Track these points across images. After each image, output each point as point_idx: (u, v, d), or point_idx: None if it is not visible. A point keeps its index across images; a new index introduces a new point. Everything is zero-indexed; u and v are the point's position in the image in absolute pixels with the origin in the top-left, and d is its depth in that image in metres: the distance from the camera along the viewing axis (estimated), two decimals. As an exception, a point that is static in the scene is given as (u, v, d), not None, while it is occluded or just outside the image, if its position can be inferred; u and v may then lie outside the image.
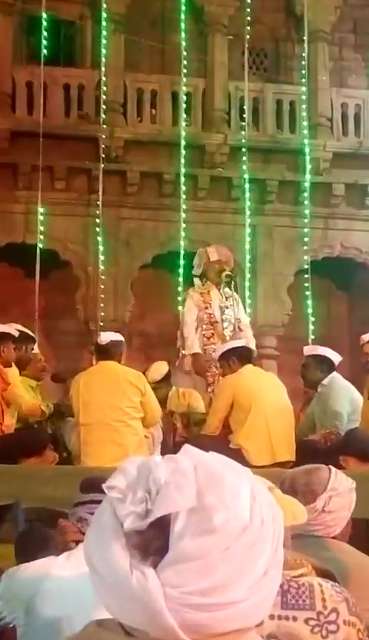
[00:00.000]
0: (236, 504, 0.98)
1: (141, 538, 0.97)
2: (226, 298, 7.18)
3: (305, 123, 12.38)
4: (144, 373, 6.42)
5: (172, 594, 0.95)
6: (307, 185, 12.14)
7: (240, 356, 5.95)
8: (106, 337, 6.02)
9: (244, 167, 11.96)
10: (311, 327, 11.58)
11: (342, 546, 2.44)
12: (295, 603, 1.74)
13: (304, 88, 12.51)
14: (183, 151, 11.78)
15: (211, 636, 0.97)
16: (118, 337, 6.13)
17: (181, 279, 11.13)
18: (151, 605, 0.95)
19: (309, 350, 6.58)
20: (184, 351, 7.29)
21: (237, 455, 5.15)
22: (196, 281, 7.44)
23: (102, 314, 11.51)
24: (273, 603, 1.69)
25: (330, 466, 2.55)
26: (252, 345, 6.60)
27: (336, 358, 6.29)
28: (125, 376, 5.78)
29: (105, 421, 5.60)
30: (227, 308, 7.15)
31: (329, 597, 1.75)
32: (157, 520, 0.96)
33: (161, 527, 0.97)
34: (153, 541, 0.97)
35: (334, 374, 6.17)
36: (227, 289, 7.17)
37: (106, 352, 5.90)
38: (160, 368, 7.07)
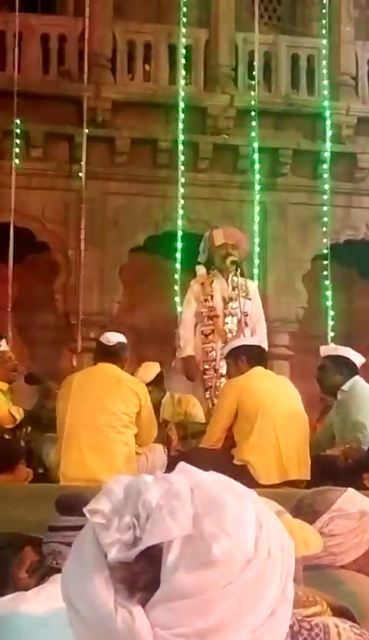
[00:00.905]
0: (239, 532, 0.98)
1: (127, 570, 0.98)
2: (233, 288, 7.20)
3: (325, 82, 12.37)
4: (131, 374, 6.49)
5: (163, 636, 0.95)
6: (326, 155, 12.12)
7: (250, 356, 5.97)
8: (113, 338, 6.18)
9: (253, 133, 11.95)
10: (330, 322, 11.58)
11: (357, 578, 2.45)
12: (308, 647, 1.74)
13: (324, 41, 12.50)
14: (181, 115, 11.77)
15: None
16: (124, 339, 6.28)
17: (178, 265, 11.13)
18: (139, 650, 0.95)
19: (327, 350, 6.60)
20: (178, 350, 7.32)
21: (242, 472, 5.16)
22: (198, 270, 7.46)
23: (85, 305, 11.50)
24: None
25: (351, 488, 2.56)
26: (264, 345, 6.63)
27: (358, 359, 6.31)
28: (127, 382, 5.96)
29: (95, 424, 5.69)
30: (232, 299, 7.17)
31: (347, 639, 1.75)
32: (146, 550, 0.97)
33: (152, 558, 0.97)
34: (141, 574, 0.98)
35: (356, 378, 6.18)
36: (236, 278, 7.19)
37: (112, 355, 6.07)
38: (150, 369, 7.10)
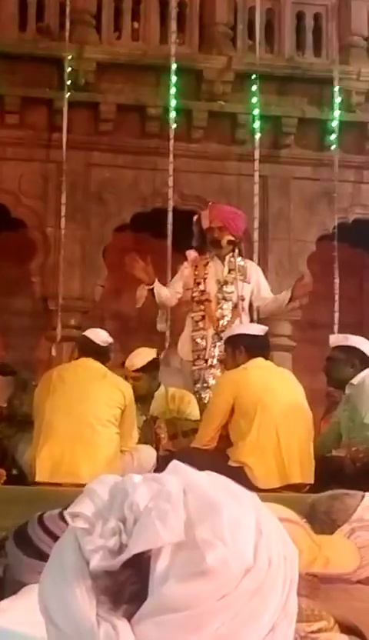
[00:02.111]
0: (236, 539, 0.98)
1: (111, 580, 0.98)
2: (230, 270, 7.22)
3: (334, 43, 12.34)
4: (123, 363, 6.60)
5: (151, 654, 0.95)
6: (334, 124, 12.11)
7: (250, 346, 5.99)
8: (106, 338, 6.34)
9: (254, 100, 11.93)
10: (338, 310, 11.58)
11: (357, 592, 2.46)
12: (311, 666, 1.74)
13: (333, -3, 12.47)
14: (173, 78, 11.73)
15: None
16: (110, 339, 6.51)
17: (169, 245, 11.11)
18: (124, 668, 0.95)
19: (337, 340, 6.60)
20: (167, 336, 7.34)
21: (238, 475, 5.17)
22: (189, 254, 7.47)
23: (65, 289, 11.48)
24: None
25: (365, 493, 2.57)
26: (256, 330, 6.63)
27: None
28: (112, 379, 6.12)
29: (78, 414, 5.79)
30: (227, 283, 7.18)
31: (354, 660, 1.76)
32: (133, 558, 0.97)
33: (139, 567, 0.97)
34: (127, 584, 0.98)
35: (368, 371, 6.18)
36: (233, 259, 7.21)
37: (99, 354, 6.21)
38: (143, 353, 7.13)
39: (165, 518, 0.98)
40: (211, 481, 1.04)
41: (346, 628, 1.86)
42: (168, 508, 0.99)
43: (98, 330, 6.60)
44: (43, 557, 2.51)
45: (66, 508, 1.18)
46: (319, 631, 1.80)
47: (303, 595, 1.75)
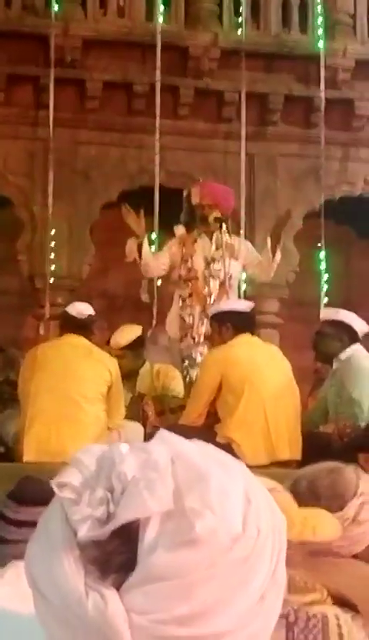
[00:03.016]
0: (224, 508, 0.98)
1: (100, 550, 0.97)
2: (217, 247, 7.22)
3: (320, 20, 12.30)
4: (107, 340, 6.59)
5: (139, 622, 0.95)
6: (321, 101, 12.08)
7: (237, 323, 5.99)
8: (85, 310, 6.33)
9: (240, 77, 11.88)
10: (325, 287, 11.59)
11: (363, 568, 2.47)
12: (304, 639, 1.75)
13: (319, -26, 12.42)
14: (159, 55, 11.67)
15: None
16: (93, 310, 6.48)
17: (155, 223, 11.09)
18: (111, 637, 0.94)
19: (328, 314, 6.62)
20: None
21: (226, 451, 5.16)
22: (177, 230, 7.47)
23: (52, 268, 11.46)
24: (276, 639, 1.71)
25: (354, 465, 2.58)
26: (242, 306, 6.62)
27: (362, 326, 6.32)
28: (98, 355, 6.08)
29: (64, 392, 5.78)
30: (214, 260, 7.18)
31: (348, 633, 1.76)
32: (121, 527, 0.96)
33: (127, 536, 0.97)
34: (115, 554, 0.97)
35: (356, 346, 6.20)
36: (221, 236, 7.21)
37: (81, 328, 6.18)
38: (129, 331, 7.14)
39: (153, 488, 0.97)
40: (200, 450, 1.03)
41: (338, 600, 1.86)
42: (156, 477, 0.98)
43: (78, 304, 6.57)
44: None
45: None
46: (312, 603, 1.80)
47: (294, 564, 1.75)
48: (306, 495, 2.37)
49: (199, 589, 0.95)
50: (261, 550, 0.99)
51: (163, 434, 1.05)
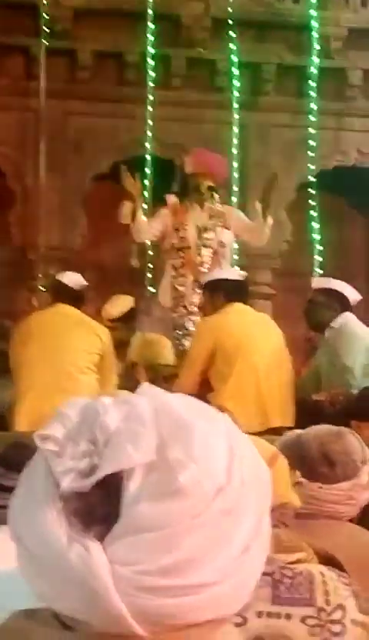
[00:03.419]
0: (208, 458, 0.98)
1: (83, 502, 0.97)
2: (210, 216, 7.22)
3: (312, -11, 12.23)
4: (98, 311, 6.61)
5: (123, 573, 0.95)
6: (313, 70, 12.04)
7: (229, 291, 5.99)
8: (79, 281, 6.33)
9: (232, 46, 11.83)
10: (318, 258, 11.58)
11: (354, 530, 2.49)
12: (290, 597, 1.76)
13: None
14: (151, 25, 11.61)
15: (174, 629, 0.97)
16: (85, 282, 6.47)
17: (147, 195, 11.06)
18: (95, 588, 0.94)
19: (319, 282, 6.63)
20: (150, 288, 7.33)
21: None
22: (169, 199, 7.47)
23: (44, 239, 11.44)
24: (260, 596, 1.72)
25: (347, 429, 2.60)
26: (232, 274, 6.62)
27: (353, 295, 6.34)
28: (90, 324, 6.10)
29: (56, 363, 5.81)
30: (207, 229, 7.17)
31: (333, 590, 1.77)
32: (104, 479, 0.96)
33: (110, 488, 0.97)
34: (99, 506, 0.97)
35: (347, 314, 6.21)
36: (212, 205, 7.21)
37: (74, 299, 6.20)
38: (121, 303, 7.15)
39: (136, 439, 0.97)
40: (183, 402, 1.03)
41: (324, 559, 1.87)
42: (140, 428, 0.98)
43: (70, 273, 6.57)
44: None
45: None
46: (298, 561, 1.81)
47: (284, 524, 1.76)
48: (317, 460, 2.38)
49: (183, 540, 0.95)
50: (246, 501, 0.99)
51: (146, 386, 1.04)
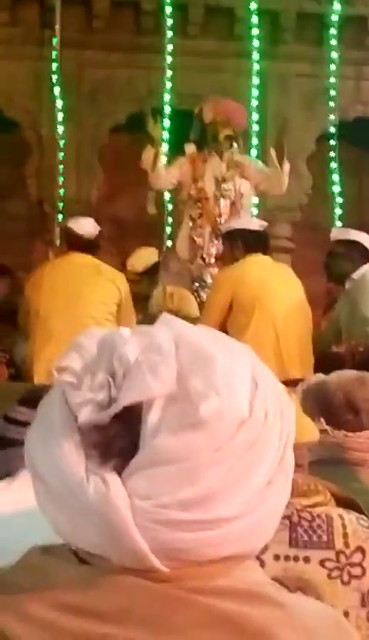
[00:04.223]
0: (231, 390, 0.96)
1: (101, 434, 0.96)
2: (228, 167, 7.18)
3: None
4: (123, 264, 6.57)
5: (142, 507, 0.94)
6: (334, 18, 11.90)
7: (248, 242, 5.97)
8: (91, 228, 6.27)
9: (251, -7, 11.71)
10: (338, 210, 11.53)
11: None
12: (308, 540, 1.76)
13: None
14: (168, -28, 11.50)
15: (194, 564, 0.96)
16: (97, 226, 6.36)
17: (166, 147, 11.00)
18: (114, 522, 0.93)
19: (338, 234, 6.60)
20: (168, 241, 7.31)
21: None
22: (187, 148, 7.43)
23: (61, 192, 11.41)
24: (278, 539, 1.71)
25: None
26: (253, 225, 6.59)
27: None
28: (106, 272, 6.08)
29: (72, 314, 5.80)
30: (225, 180, 7.14)
31: (352, 532, 1.77)
32: (123, 411, 0.95)
33: (129, 420, 0.96)
34: (117, 438, 0.96)
35: (368, 266, 6.18)
36: (231, 155, 7.18)
37: (88, 247, 6.16)
38: (146, 256, 7.13)
39: (156, 370, 0.95)
40: (205, 333, 1.01)
41: (344, 503, 1.87)
42: (159, 359, 0.96)
43: (81, 219, 6.51)
44: (10, 443, 2.54)
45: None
46: (315, 505, 1.80)
47: (299, 465, 1.75)
48: (342, 407, 2.38)
49: (204, 473, 0.94)
50: (269, 434, 0.98)
51: (166, 317, 1.03)
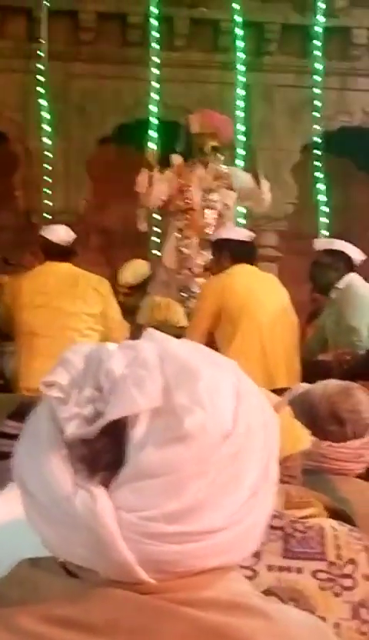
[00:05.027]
0: (215, 404, 0.97)
1: (88, 448, 0.96)
2: (215, 177, 7.20)
3: None
4: (114, 275, 6.55)
5: (128, 519, 0.94)
6: (318, 30, 11.94)
7: (235, 252, 5.98)
8: (64, 233, 6.20)
9: (236, 5, 11.73)
10: (323, 219, 11.54)
11: (362, 486, 2.50)
12: (301, 551, 1.76)
13: None
14: (154, -15, 11.53)
15: (180, 576, 0.97)
16: (72, 232, 6.31)
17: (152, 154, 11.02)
18: (101, 535, 0.94)
19: (323, 244, 6.62)
20: (154, 251, 7.32)
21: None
22: (174, 159, 7.44)
23: (49, 203, 11.41)
24: (271, 550, 1.72)
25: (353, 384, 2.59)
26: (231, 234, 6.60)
27: (357, 255, 6.33)
28: (85, 279, 6.02)
29: (56, 330, 5.75)
30: (212, 191, 7.15)
31: (345, 544, 1.77)
32: (109, 425, 0.96)
33: (116, 434, 0.96)
34: (104, 452, 0.96)
35: (353, 275, 6.21)
36: (217, 166, 7.19)
37: (64, 253, 6.09)
38: (138, 269, 7.13)
39: (142, 384, 0.96)
40: (189, 348, 1.02)
41: (335, 514, 1.88)
42: (145, 374, 0.97)
43: (54, 227, 6.47)
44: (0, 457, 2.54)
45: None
46: (308, 517, 1.81)
47: (292, 477, 1.76)
48: (326, 418, 2.39)
49: (189, 486, 0.95)
50: (252, 447, 0.99)
51: (151, 332, 1.03)
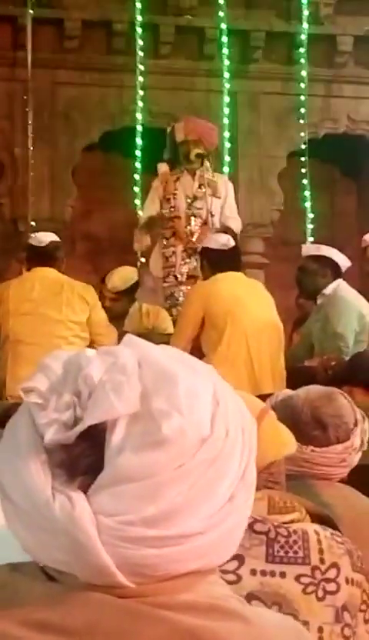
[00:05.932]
0: (192, 409, 0.97)
1: (67, 453, 0.97)
2: (200, 185, 7.21)
3: None
4: (102, 280, 6.55)
5: (107, 524, 0.95)
6: (303, 37, 11.97)
7: (216, 260, 5.99)
8: (45, 237, 6.22)
9: (221, 13, 11.76)
10: (309, 226, 11.57)
11: (345, 490, 2.50)
12: (284, 556, 1.77)
13: None
14: (139, -8, 11.54)
15: (159, 580, 0.97)
16: (57, 237, 6.31)
17: (138, 164, 11.03)
18: (79, 539, 0.95)
19: (309, 250, 6.63)
20: (141, 258, 7.33)
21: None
22: (160, 167, 7.45)
23: (34, 211, 11.40)
24: (255, 554, 1.73)
25: (335, 389, 2.60)
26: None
27: (344, 262, 6.34)
28: (71, 286, 6.01)
29: (41, 337, 5.73)
30: (197, 198, 7.16)
31: (328, 548, 1.78)
32: (88, 430, 0.96)
33: (94, 439, 0.97)
34: (82, 457, 0.97)
35: (340, 281, 6.22)
36: (203, 174, 7.20)
37: (46, 257, 6.11)
38: (126, 275, 7.12)
39: (120, 390, 0.97)
40: (167, 354, 1.03)
41: (317, 518, 1.88)
42: (123, 379, 0.98)
43: (39, 234, 6.49)
44: None
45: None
46: (292, 522, 1.82)
47: (275, 483, 1.77)
48: (309, 422, 2.39)
49: (167, 490, 0.95)
50: (230, 451, 0.99)
51: (129, 338, 1.04)
